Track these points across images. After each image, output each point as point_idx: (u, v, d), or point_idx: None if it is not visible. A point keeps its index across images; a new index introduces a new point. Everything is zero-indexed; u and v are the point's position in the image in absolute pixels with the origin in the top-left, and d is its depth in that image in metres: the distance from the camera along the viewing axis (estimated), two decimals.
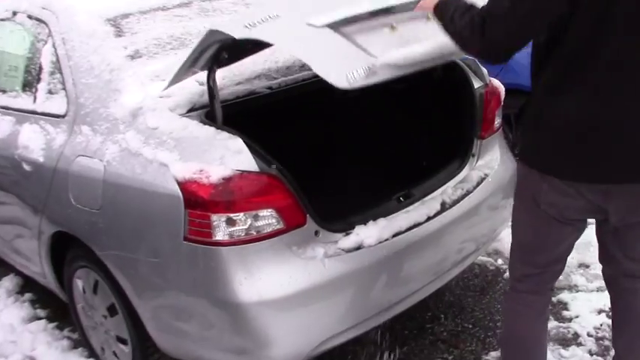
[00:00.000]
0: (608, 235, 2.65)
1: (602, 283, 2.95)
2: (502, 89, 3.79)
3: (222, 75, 3.15)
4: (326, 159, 4.19)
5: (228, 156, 2.65)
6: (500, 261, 4.52)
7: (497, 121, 3.75)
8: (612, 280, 2.80)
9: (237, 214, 2.63)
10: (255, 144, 2.73)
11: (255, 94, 3.12)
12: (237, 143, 2.67)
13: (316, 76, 3.24)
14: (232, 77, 3.15)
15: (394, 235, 3.00)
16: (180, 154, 2.73)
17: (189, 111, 2.93)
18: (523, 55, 5.29)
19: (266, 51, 3.36)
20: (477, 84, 3.64)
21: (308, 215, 2.81)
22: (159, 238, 2.82)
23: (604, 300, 3.79)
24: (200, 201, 2.62)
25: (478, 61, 3.74)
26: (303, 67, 3.32)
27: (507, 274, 4.32)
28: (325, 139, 4.36)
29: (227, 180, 2.61)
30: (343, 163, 4.14)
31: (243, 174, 2.64)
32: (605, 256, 2.76)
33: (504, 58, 2.36)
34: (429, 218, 3.15)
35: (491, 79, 3.76)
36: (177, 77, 2.79)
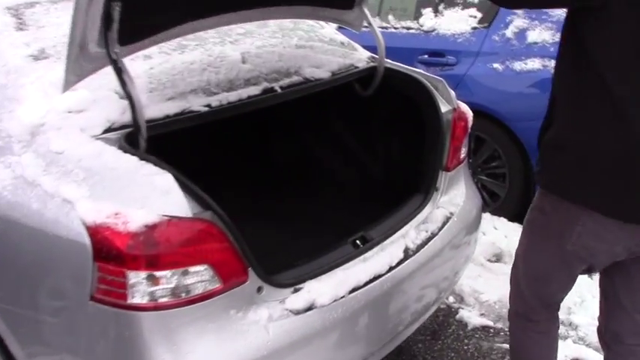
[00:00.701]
0: (618, 284, 2.35)
1: None
2: (470, 115, 3.37)
3: (150, 87, 2.58)
4: (269, 194, 3.67)
5: (154, 196, 2.09)
6: (450, 299, 4.13)
7: (464, 151, 3.33)
8: (614, 340, 2.45)
9: (162, 272, 2.08)
10: (189, 180, 2.17)
11: (190, 112, 2.55)
12: (165, 180, 2.11)
13: (265, 91, 2.80)
14: (163, 91, 2.57)
15: (351, 291, 2.52)
16: (90, 189, 2.14)
17: (106, 131, 2.35)
18: (479, 72, 4.99)
19: (202, 56, 2.82)
20: (443, 108, 3.20)
21: (250, 269, 2.28)
22: (58, 293, 2.22)
23: None
24: (114, 253, 2.05)
25: (445, 83, 3.31)
26: (249, 81, 2.79)
27: (460, 314, 4.01)
28: (269, 169, 3.86)
29: (150, 228, 2.04)
30: (290, 199, 3.63)
31: (172, 220, 2.08)
32: (611, 310, 2.43)
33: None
34: (390, 268, 2.68)
35: (459, 102, 3.33)
36: (72, 67, 2.21)
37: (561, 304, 2.64)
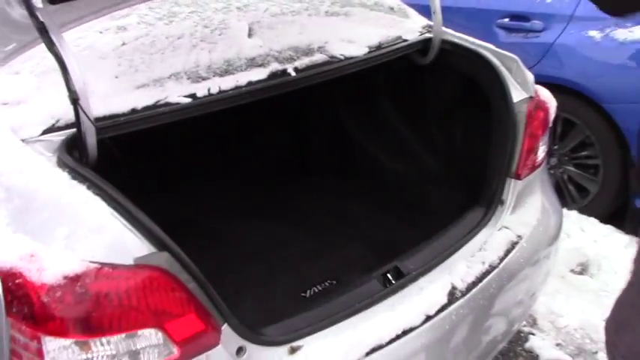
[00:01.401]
0: None
1: None
2: (553, 105, 2.58)
3: (117, 71, 1.98)
4: (272, 198, 3.07)
5: (81, 233, 1.51)
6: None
7: (542, 152, 2.56)
8: None
9: (93, 338, 1.51)
10: (139, 210, 1.58)
11: (166, 105, 1.94)
12: (97, 211, 1.52)
13: (274, 75, 2.15)
14: (133, 75, 1.97)
15: (371, 352, 1.88)
16: (10, 216, 1.58)
17: (47, 132, 1.78)
18: (571, 41, 4.07)
19: (195, 28, 2.20)
20: (517, 96, 2.44)
21: (225, 325, 1.68)
22: None
23: None
24: (25, 310, 1.49)
25: (521, 63, 2.53)
26: (254, 61, 2.14)
27: (530, 342, 3.28)
28: (269, 163, 3.24)
29: (71, 279, 1.47)
30: (297, 207, 3.02)
31: (103, 269, 1.49)
32: None
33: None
34: (428, 318, 2.01)
35: (539, 88, 2.55)
36: None
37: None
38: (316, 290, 2.55)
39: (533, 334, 3.34)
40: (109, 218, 1.52)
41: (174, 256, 1.58)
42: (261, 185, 3.40)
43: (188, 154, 3.21)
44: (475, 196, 2.49)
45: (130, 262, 1.51)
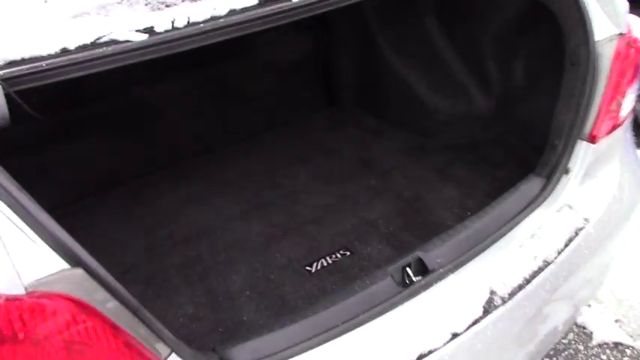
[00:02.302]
0: None
1: None
2: None
3: None
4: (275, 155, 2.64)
5: None
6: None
7: (627, 106, 1.95)
8: None
9: None
10: (41, 209, 1.13)
11: (113, 43, 1.43)
12: None
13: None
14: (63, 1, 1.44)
15: None
16: None
17: None
18: None
19: None
20: (602, 31, 1.81)
21: (173, 355, 1.25)
22: None
23: None
24: None
25: None
26: None
27: (584, 317, 2.79)
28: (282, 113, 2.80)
29: None
30: (305, 164, 2.61)
31: None
32: None
33: None
34: (454, 336, 1.53)
35: (632, 22, 1.90)
36: None
37: None
38: (324, 264, 2.10)
39: (588, 305, 2.84)
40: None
41: (94, 276, 1.13)
42: (276, 120, 2.90)
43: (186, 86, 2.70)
44: (533, 156, 1.94)
45: (20, 292, 1.06)
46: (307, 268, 2.09)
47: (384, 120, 2.85)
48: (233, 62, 2.74)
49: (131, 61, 1.44)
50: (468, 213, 2.24)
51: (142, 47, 1.43)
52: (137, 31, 1.43)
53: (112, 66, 1.42)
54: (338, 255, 2.14)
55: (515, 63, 2.45)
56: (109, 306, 1.16)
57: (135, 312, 1.19)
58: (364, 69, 2.85)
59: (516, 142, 2.53)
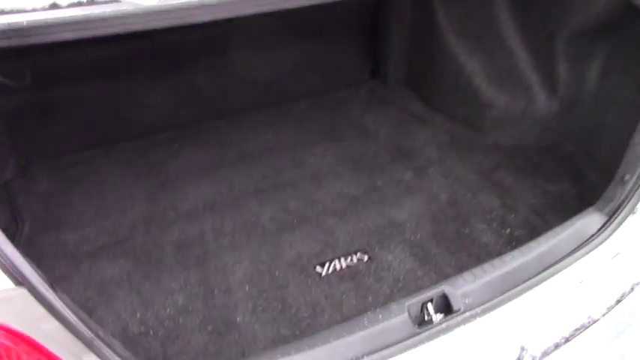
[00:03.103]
0: None
1: None
2: None
3: None
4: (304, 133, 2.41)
5: None
6: None
7: None
8: None
9: None
10: None
11: (113, 3, 1.19)
12: None
13: None
14: None
15: None
16: None
17: None
18: None
19: None
20: None
21: None
22: None
23: None
24: None
25: None
26: None
27: None
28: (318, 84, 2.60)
29: None
30: (334, 145, 2.34)
31: None
32: None
33: None
34: None
35: None
36: None
37: None
38: (337, 267, 1.86)
39: None
40: None
41: (36, 295, 0.92)
42: (309, 88, 2.63)
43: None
44: (592, 174, 1.66)
45: None
46: (317, 269, 1.86)
47: (432, 105, 2.56)
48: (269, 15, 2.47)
49: (135, 28, 1.20)
50: (508, 230, 1.98)
51: (150, 13, 1.18)
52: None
53: (112, 30, 1.18)
54: (354, 258, 1.90)
55: (591, 64, 2.13)
56: (56, 337, 0.95)
57: (89, 344, 0.98)
58: (417, 42, 2.54)
59: (575, 153, 2.23)
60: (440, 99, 2.53)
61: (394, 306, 1.36)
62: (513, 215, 2.05)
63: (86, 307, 1.71)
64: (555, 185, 2.16)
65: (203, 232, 1.98)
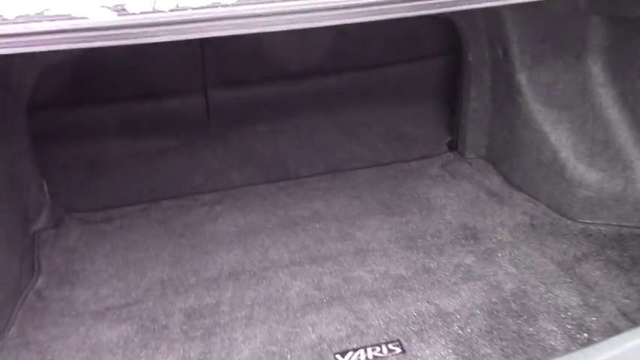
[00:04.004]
0: None
1: None
2: None
3: None
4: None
5: None
6: None
7: None
8: None
9: None
10: None
11: (65, 19, 1.07)
12: None
13: None
14: None
15: None
16: None
17: None
18: None
19: None
20: None
21: None
22: None
23: None
24: None
25: None
26: None
27: None
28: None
29: None
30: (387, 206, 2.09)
31: None
32: None
33: None
34: None
35: None
36: None
37: None
38: (361, 357, 1.56)
39: None
40: None
41: None
42: (378, 156, 2.41)
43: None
44: None
45: None
46: (338, 358, 1.57)
47: (512, 182, 2.22)
48: (336, 75, 2.31)
49: (94, 44, 1.07)
50: (584, 335, 1.59)
51: (105, 28, 1.05)
52: (104, 7, 1.06)
53: (64, 46, 1.06)
54: (384, 349, 1.59)
55: None
56: None
57: None
58: (498, 113, 2.25)
59: None
60: (521, 175, 2.19)
61: None
62: (595, 317, 1.65)
63: None
64: None
65: (220, 302, 1.76)
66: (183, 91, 2.29)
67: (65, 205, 2.15)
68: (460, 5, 1.20)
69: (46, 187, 2.05)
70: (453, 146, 2.48)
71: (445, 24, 2.29)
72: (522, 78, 2.10)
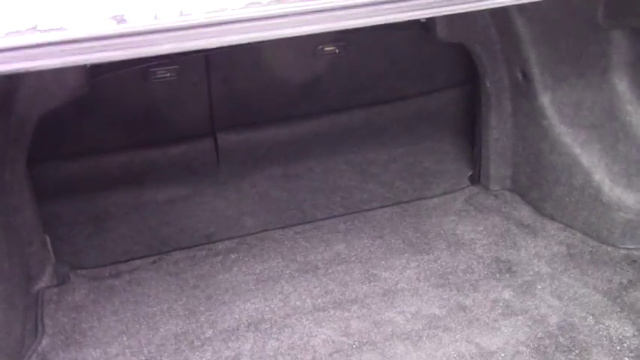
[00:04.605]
0: None
1: None
2: None
3: None
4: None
5: None
6: None
7: None
8: None
9: None
10: None
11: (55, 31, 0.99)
12: None
13: None
14: None
15: None
16: None
17: None
18: None
19: None
20: None
21: None
22: None
23: None
24: None
25: None
26: None
27: None
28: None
29: None
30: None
31: None
32: None
33: None
34: None
35: None
36: None
37: None
38: None
39: None
40: None
41: None
42: (398, 195, 2.30)
43: None
44: None
45: None
46: None
47: (543, 212, 2.09)
48: (346, 112, 2.22)
49: (92, 56, 0.99)
50: None
51: (103, 38, 0.97)
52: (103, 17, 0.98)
53: (58, 60, 0.97)
54: None
55: None
56: None
57: None
58: (522, 140, 2.14)
59: None
60: (553, 204, 2.06)
61: None
62: None
63: None
64: None
65: (239, 355, 1.61)
66: (190, 136, 2.21)
67: (70, 262, 2.03)
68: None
69: (49, 243, 1.93)
70: (475, 180, 2.36)
71: (459, 52, 2.22)
72: (545, 100, 2.00)
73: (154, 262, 2.06)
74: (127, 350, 1.67)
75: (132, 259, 2.05)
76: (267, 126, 2.28)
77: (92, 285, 1.94)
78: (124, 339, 1.72)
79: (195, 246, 2.10)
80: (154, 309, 1.83)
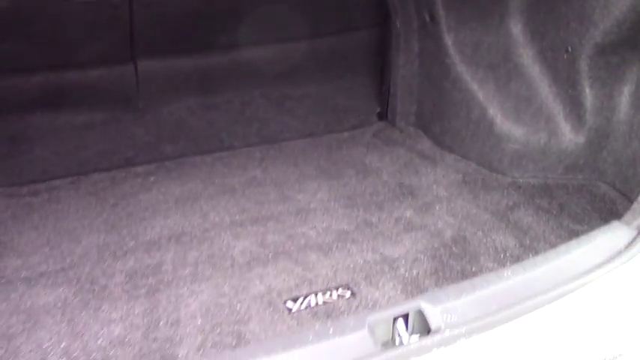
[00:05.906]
0: None
1: None
2: None
3: None
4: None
5: None
6: None
7: None
8: None
9: None
10: None
11: None
12: None
13: None
14: None
15: None
16: None
17: None
18: None
19: None
20: None
21: None
22: None
23: None
24: None
25: None
26: None
27: None
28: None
29: None
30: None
31: None
32: None
33: None
34: None
35: None
36: None
37: None
38: (312, 302, 1.56)
39: None
40: None
41: None
42: (312, 128, 2.43)
43: None
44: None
45: None
46: (288, 304, 1.56)
47: (443, 145, 2.29)
48: (264, 46, 2.31)
49: None
50: None
51: None
52: None
53: None
54: (334, 294, 1.59)
55: (622, 90, 1.86)
56: None
57: None
58: (426, 78, 2.32)
59: (608, 192, 1.92)
60: (451, 137, 2.26)
61: (352, 321, 1.05)
62: (532, 255, 1.72)
63: (5, 335, 1.45)
64: (583, 226, 1.83)
65: (162, 263, 1.71)
66: (110, 60, 2.22)
67: None
68: None
69: None
70: (383, 116, 2.53)
71: None
72: (449, 41, 2.18)
73: (73, 182, 2.09)
74: (49, 259, 1.72)
75: (50, 179, 2.08)
76: (187, 55, 2.33)
77: (9, 202, 1.96)
78: (46, 250, 1.76)
79: (115, 168, 2.15)
80: (75, 224, 1.88)
